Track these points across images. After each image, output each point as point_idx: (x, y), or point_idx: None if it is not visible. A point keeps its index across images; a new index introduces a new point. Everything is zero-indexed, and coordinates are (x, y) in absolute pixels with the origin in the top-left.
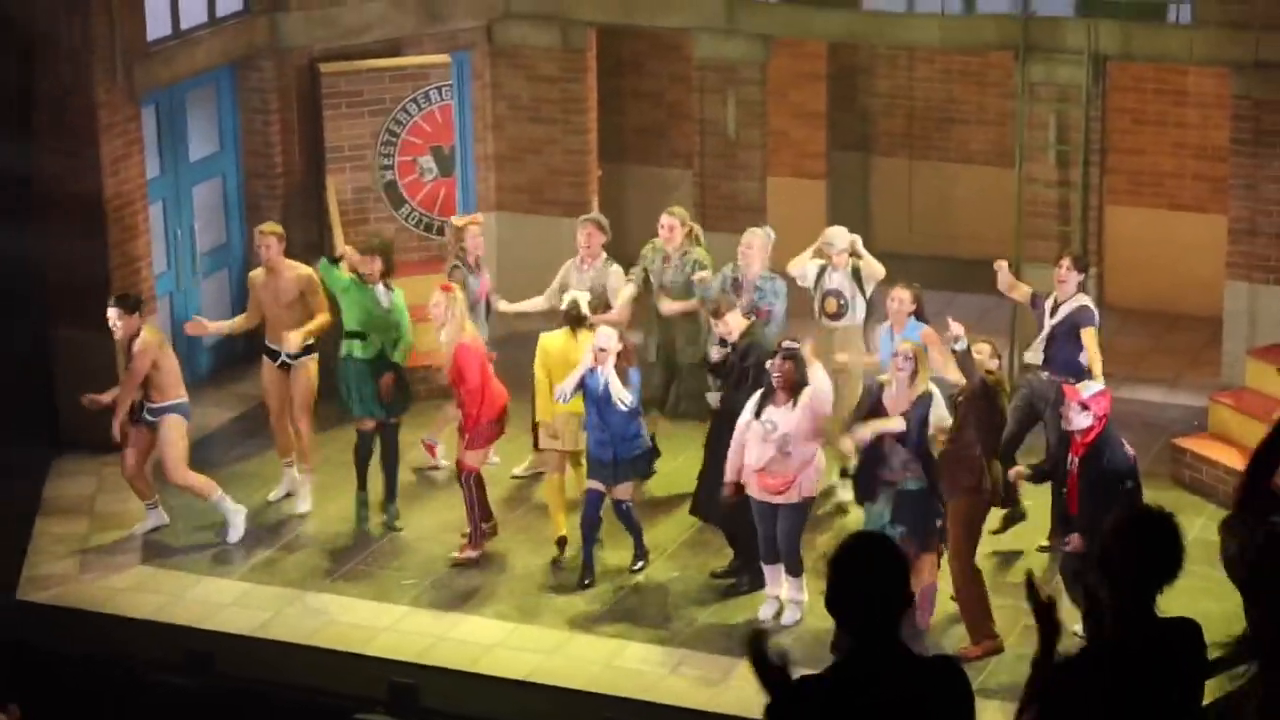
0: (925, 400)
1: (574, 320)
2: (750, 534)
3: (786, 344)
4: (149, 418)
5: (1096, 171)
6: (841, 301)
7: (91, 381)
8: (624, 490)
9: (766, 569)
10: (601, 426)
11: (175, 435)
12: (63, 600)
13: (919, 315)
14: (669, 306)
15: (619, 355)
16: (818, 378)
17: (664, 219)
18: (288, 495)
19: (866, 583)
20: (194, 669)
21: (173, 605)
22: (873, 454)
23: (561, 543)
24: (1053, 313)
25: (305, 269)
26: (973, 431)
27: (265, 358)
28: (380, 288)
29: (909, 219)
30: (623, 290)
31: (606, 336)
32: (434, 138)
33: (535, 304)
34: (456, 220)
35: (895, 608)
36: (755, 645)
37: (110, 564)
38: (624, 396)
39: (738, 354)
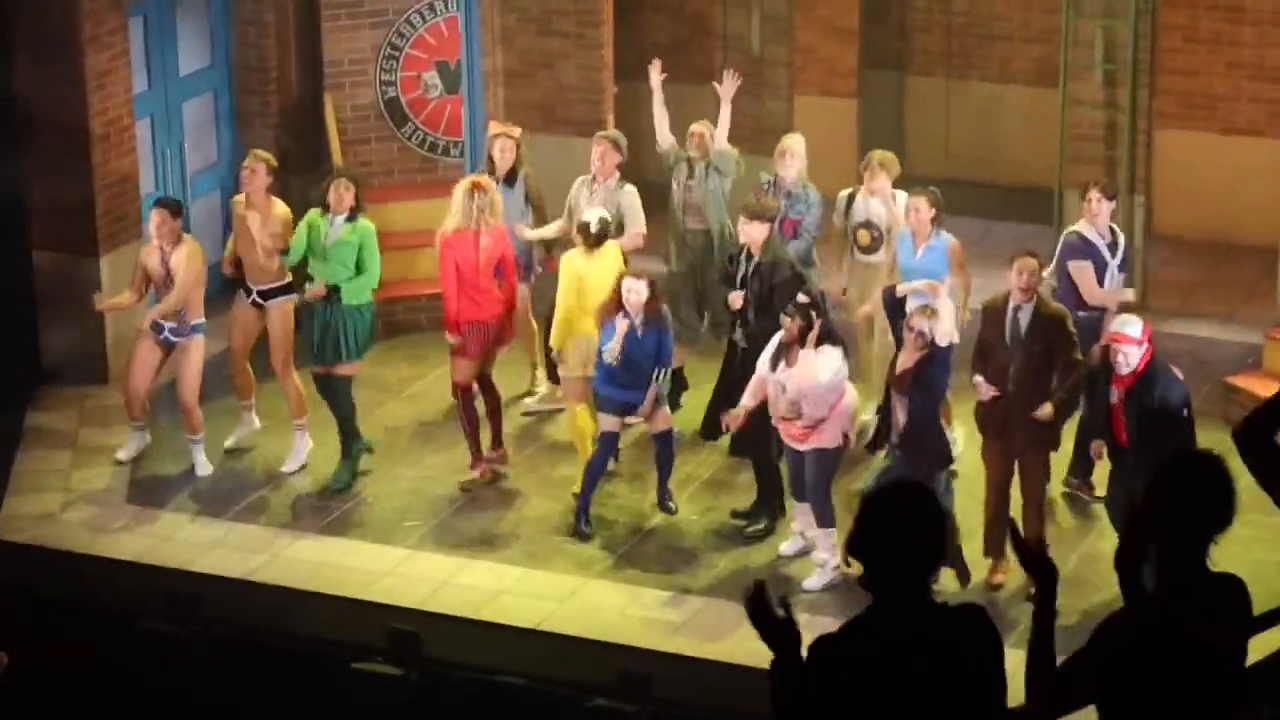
0: (942, 353)
1: (588, 239)
2: (770, 467)
3: (800, 298)
4: (173, 336)
5: (1145, 93)
6: (875, 234)
7: (77, 310)
8: (665, 419)
9: (796, 506)
10: (624, 370)
11: (200, 357)
12: (44, 540)
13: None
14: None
15: (650, 301)
16: (832, 360)
17: (694, 127)
18: (244, 438)
19: (900, 534)
20: (180, 613)
21: (161, 547)
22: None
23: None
24: (1112, 250)
25: (283, 209)
26: (1050, 374)
27: (240, 292)
28: (337, 219)
29: (946, 142)
30: (639, 212)
31: (634, 287)
32: (439, 51)
33: (555, 228)
34: (494, 126)
35: (930, 565)
36: (755, 597)
37: (94, 502)
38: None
39: (758, 275)
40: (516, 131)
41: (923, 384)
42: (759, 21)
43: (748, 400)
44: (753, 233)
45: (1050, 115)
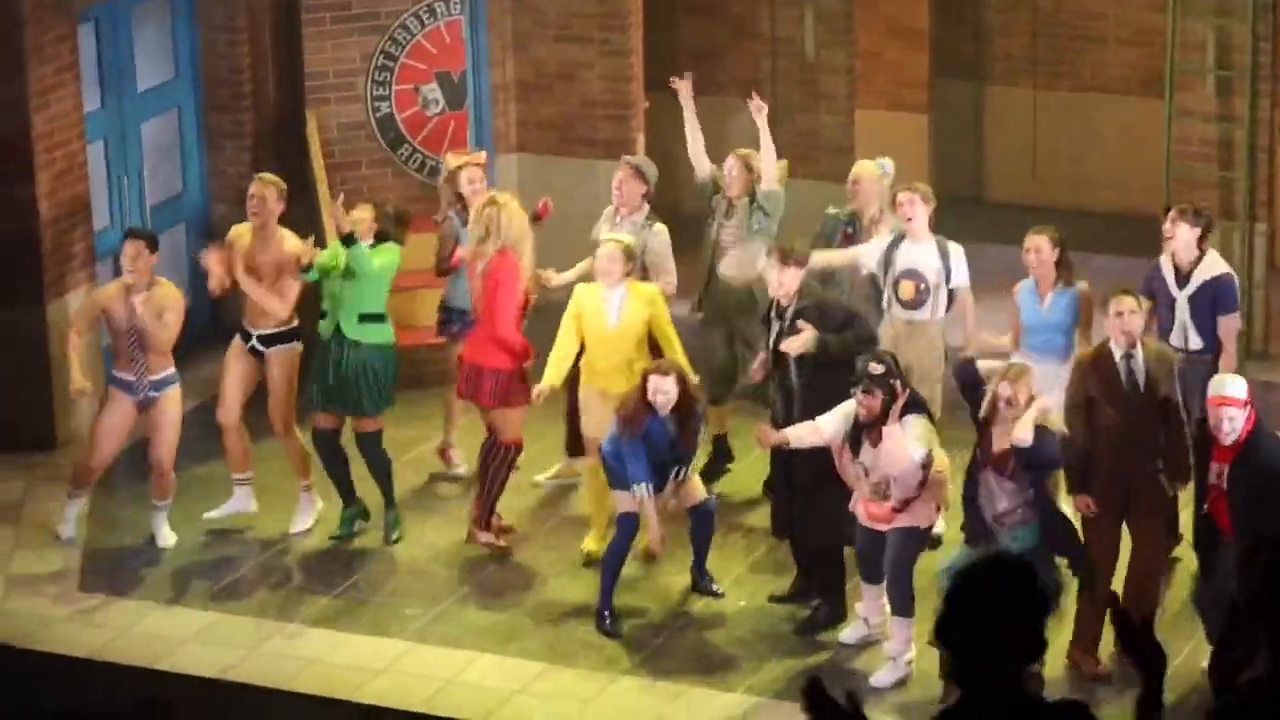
0: (1047, 439)
1: (633, 270)
2: (825, 555)
3: (874, 366)
4: (152, 392)
5: (1266, 103)
6: (922, 285)
7: (22, 363)
8: (696, 489)
9: (864, 588)
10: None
11: (179, 411)
12: None
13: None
14: (731, 268)
15: (683, 396)
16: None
17: (730, 159)
18: (232, 514)
19: (998, 618)
20: None
21: (122, 640)
22: (974, 488)
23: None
24: (1179, 281)
25: (297, 242)
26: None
27: (237, 338)
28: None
29: (1032, 162)
30: (668, 258)
31: (659, 390)
32: (440, 61)
33: (581, 269)
34: (450, 159)
35: (1029, 655)
36: (812, 691)
37: (42, 588)
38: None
39: (789, 318)
40: (483, 157)
41: (1040, 462)
42: (813, 22)
43: (796, 436)
44: (786, 280)
45: (1154, 130)
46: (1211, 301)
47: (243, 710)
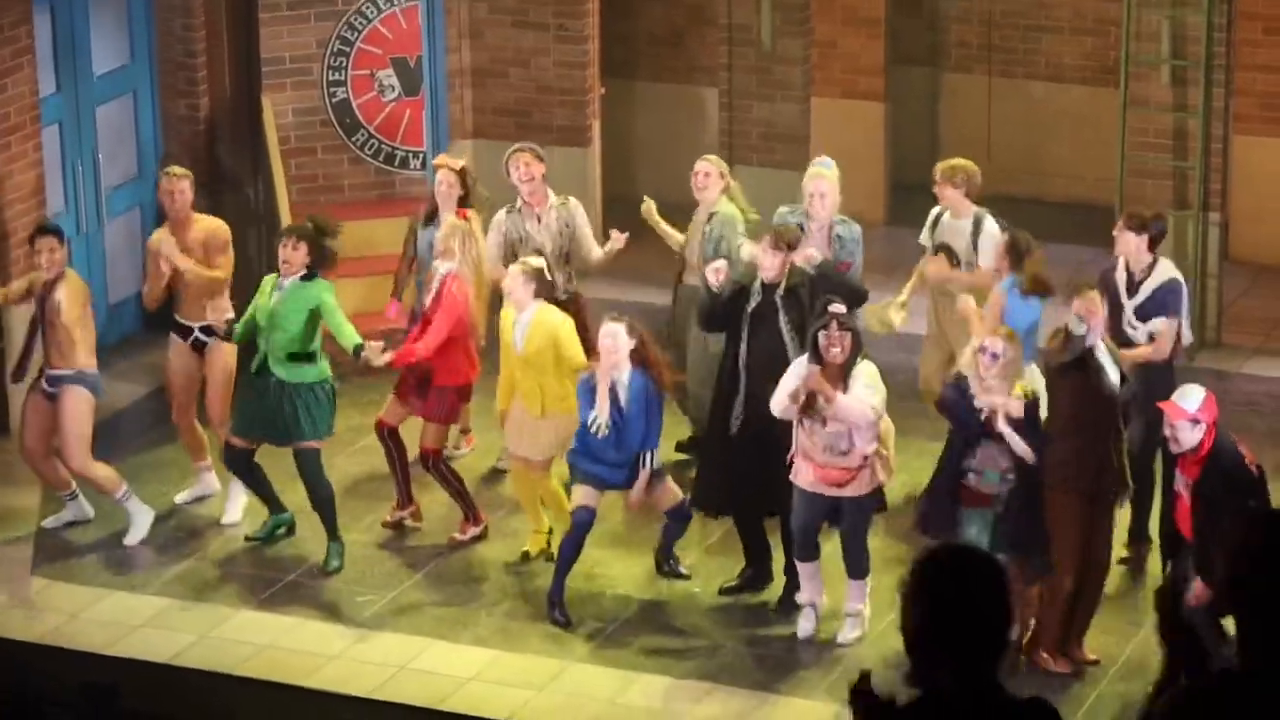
0: (1031, 405)
1: (544, 291)
2: (767, 542)
3: (835, 307)
4: (48, 387)
5: (1221, 93)
6: (953, 261)
7: None
8: (670, 494)
9: (801, 568)
10: (613, 446)
11: (83, 412)
12: None
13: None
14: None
15: (637, 352)
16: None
17: (698, 165)
18: (200, 499)
19: (966, 612)
20: (94, 706)
21: (71, 626)
22: (956, 460)
23: (549, 534)
24: (1130, 289)
25: (213, 221)
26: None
27: (173, 335)
28: (286, 282)
29: (987, 151)
30: (586, 228)
31: (610, 334)
32: (396, 47)
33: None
34: (436, 160)
35: (995, 649)
36: (861, 691)
37: None
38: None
39: (793, 299)
40: (459, 164)
41: (1033, 426)
42: (769, 10)
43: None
44: (775, 262)
45: (1109, 120)
46: (1158, 310)
47: (194, 696)
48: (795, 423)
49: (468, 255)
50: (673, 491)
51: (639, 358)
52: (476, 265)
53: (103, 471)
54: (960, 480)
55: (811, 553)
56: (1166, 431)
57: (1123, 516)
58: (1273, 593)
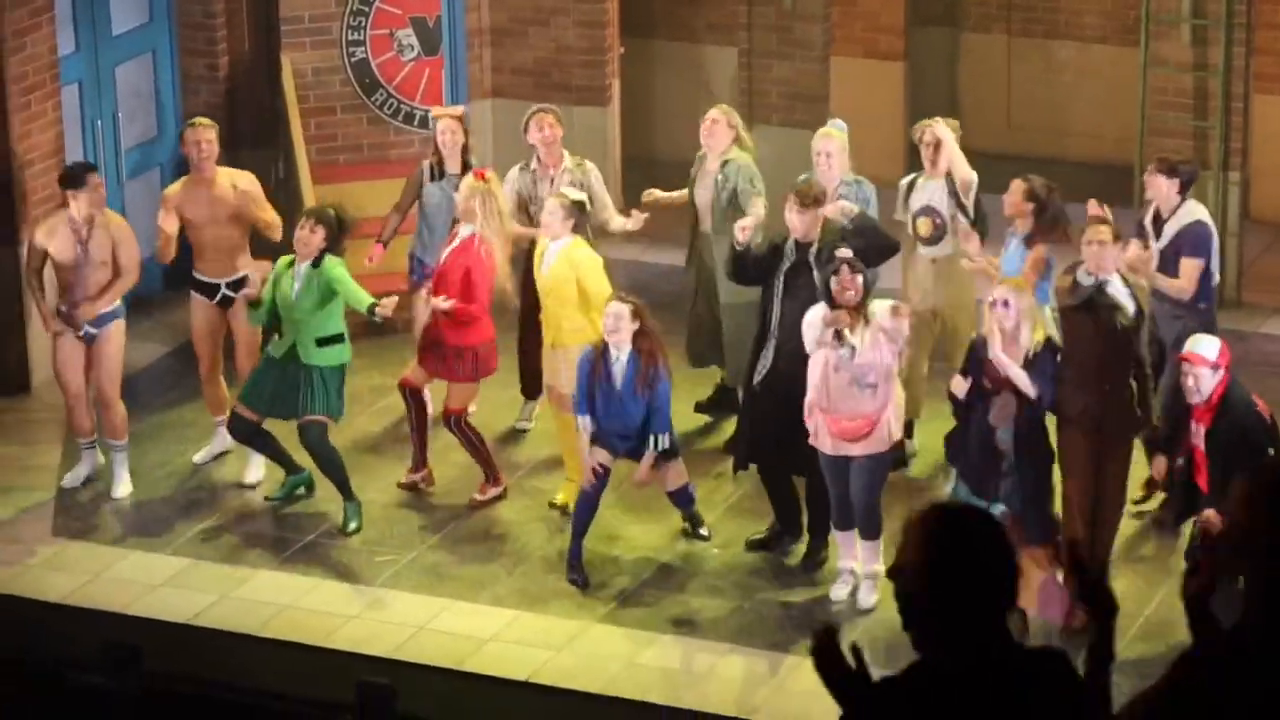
0: (1044, 358)
1: (580, 225)
2: (795, 498)
3: (842, 252)
4: (93, 329)
5: (1241, 52)
6: (938, 220)
7: None
8: (672, 475)
9: (839, 536)
10: (616, 414)
11: (122, 342)
12: None
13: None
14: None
15: (640, 334)
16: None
17: (709, 113)
18: (219, 456)
19: (968, 576)
20: (116, 666)
21: (92, 586)
22: (970, 412)
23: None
24: (1157, 231)
25: (241, 174)
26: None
27: (195, 294)
28: (302, 267)
29: (1007, 111)
30: (603, 192)
31: (615, 314)
32: (416, 6)
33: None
34: (435, 110)
35: (996, 611)
36: (823, 644)
37: (13, 533)
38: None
39: (809, 258)
40: (460, 110)
41: (1039, 374)
42: None
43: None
44: (804, 220)
45: (1129, 79)
46: (1184, 251)
47: (214, 655)
48: (820, 372)
49: (490, 215)
50: (679, 473)
51: (640, 343)
52: (499, 224)
53: (121, 411)
54: (967, 433)
55: (849, 522)
56: (1186, 381)
57: (1142, 463)
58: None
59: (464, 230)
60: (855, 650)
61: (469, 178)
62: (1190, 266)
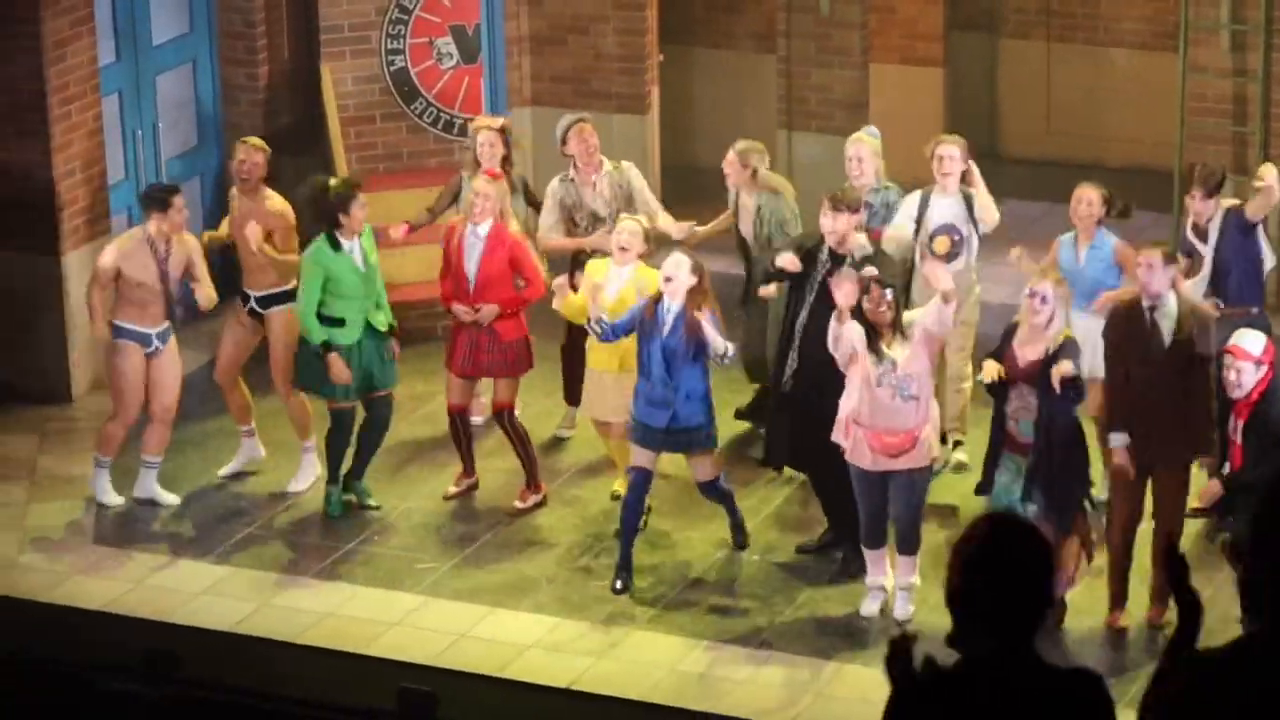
0: (1067, 348)
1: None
2: (847, 492)
3: (869, 270)
4: (161, 343)
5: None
6: (956, 237)
7: (37, 316)
8: (705, 466)
9: (869, 554)
10: (663, 381)
11: (178, 360)
12: None
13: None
14: (764, 290)
15: (695, 292)
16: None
17: (730, 154)
18: (243, 472)
19: (1003, 579)
20: (156, 673)
21: (133, 594)
22: (1001, 408)
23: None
24: (1200, 236)
25: (281, 201)
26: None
27: (236, 300)
28: (354, 243)
29: (1047, 117)
30: (646, 191)
31: (675, 264)
32: (455, 14)
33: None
34: (476, 121)
35: (1035, 611)
36: (899, 658)
37: (56, 542)
38: (719, 345)
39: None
40: (499, 121)
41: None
42: None
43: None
44: (837, 226)
45: (1168, 84)
46: (1238, 234)
47: (255, 663)
48: (859, 386)
49: (507, 212)
50: (708, 464)
51: (696, 302)
52: (506, 218)
53: (168, 432)
54: (1003, 426)
55: (880, 539)
56: (1229, 375)
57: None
58: None
59: (482, 229)
60: (929, 660)
61: (481, 178)
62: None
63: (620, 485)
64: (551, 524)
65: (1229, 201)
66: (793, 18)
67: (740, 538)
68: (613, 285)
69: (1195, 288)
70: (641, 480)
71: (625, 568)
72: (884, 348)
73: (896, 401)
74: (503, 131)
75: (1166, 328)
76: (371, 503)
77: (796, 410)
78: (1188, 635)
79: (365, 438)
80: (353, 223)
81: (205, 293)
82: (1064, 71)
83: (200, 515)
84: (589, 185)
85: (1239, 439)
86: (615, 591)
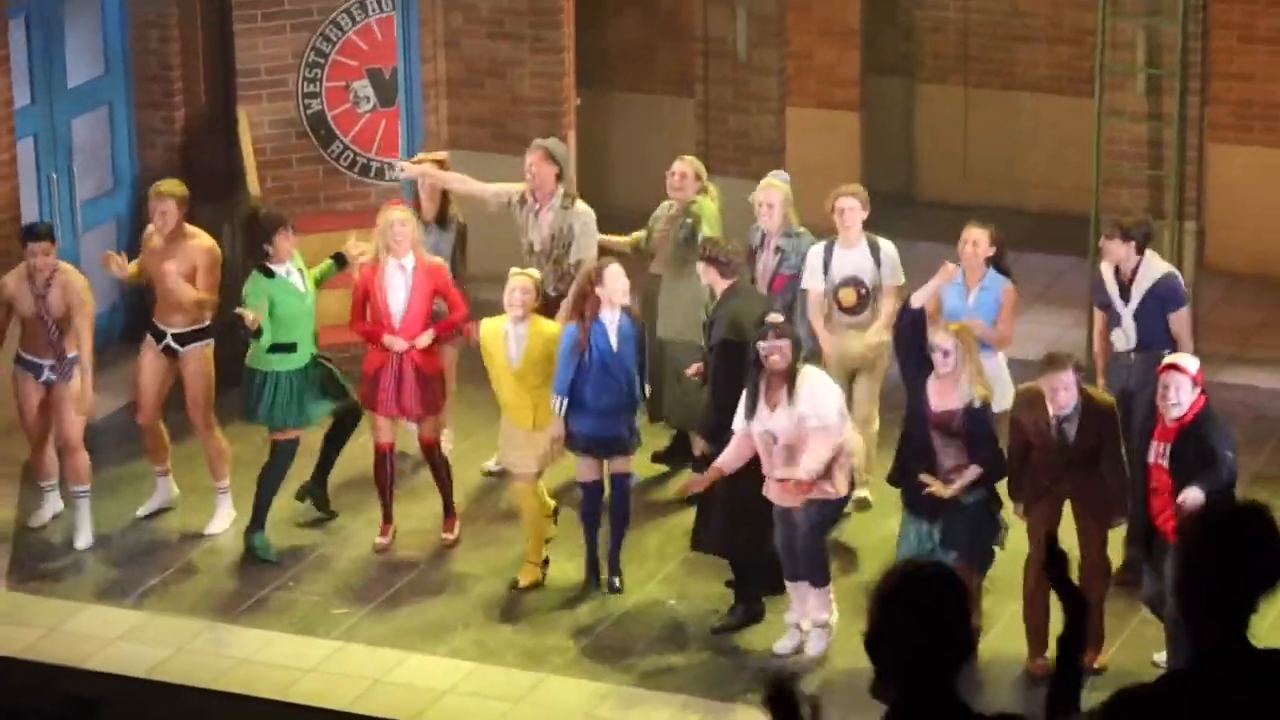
0: (983, 414)
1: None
2: (760, 569)
3: (773, 316)
4: (54, 376)
5: (1196, 101)
6: (863, 290)
7: None
8: (623, 461)
9: (790, 587)
10: (600, 386)
11: (79, 392)
12: None
13: (999, 264)
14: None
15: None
16: (827, 380)
17: (675, 165)
18: (161, 511)
19: (923, 627)
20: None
21: (48, 639)
22: (916, 452)
23: (543, 565)
24: (1123, 295)
25: (207, 238)
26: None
27: (149, 336)
28: (288, 265)
29: (963, 161)
30: (591, 237)
31: (613, 276)
32: (372, 58)
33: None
34: (419, 155)
35: (957, 657)
36: (777, 693)
37: None
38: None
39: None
40: (442, 155)
41: (980, 426)
42: (745, 21)
43: (726, 462)
44: (707, 279)
45: (1084, 129)
46: (1160, 305)
47: (172, 709)
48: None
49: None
50: (626, 465)
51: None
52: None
53: (85, 457)
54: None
55: (797, 570)
56: (1166, 393)
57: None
58: (1224, 590)
59: (407, 261)
60: (814, 704)
61: (387, 209)
62: (1180, 319)
63: (524, 576)
64: (467, 570)
65: (1163, 264)
66: (710, 62)
67: (612, 576)
68: (514, 345)
69: (1123, 340)
70: (592, 491)
71: (612, 565)
72: (765, 410)
73: (785, 452)
74: (442, 165)
75: (1071, 430)
76: (330, 509)
77: (729, 498)
78: (1076, 632)
79: (333, 440)
80: (278, 252)
81: (85, 399)
82: (981, 116)
83: (117, 557)
84: (533, 213)
85: (1165, 463)
86: (611, 589)
